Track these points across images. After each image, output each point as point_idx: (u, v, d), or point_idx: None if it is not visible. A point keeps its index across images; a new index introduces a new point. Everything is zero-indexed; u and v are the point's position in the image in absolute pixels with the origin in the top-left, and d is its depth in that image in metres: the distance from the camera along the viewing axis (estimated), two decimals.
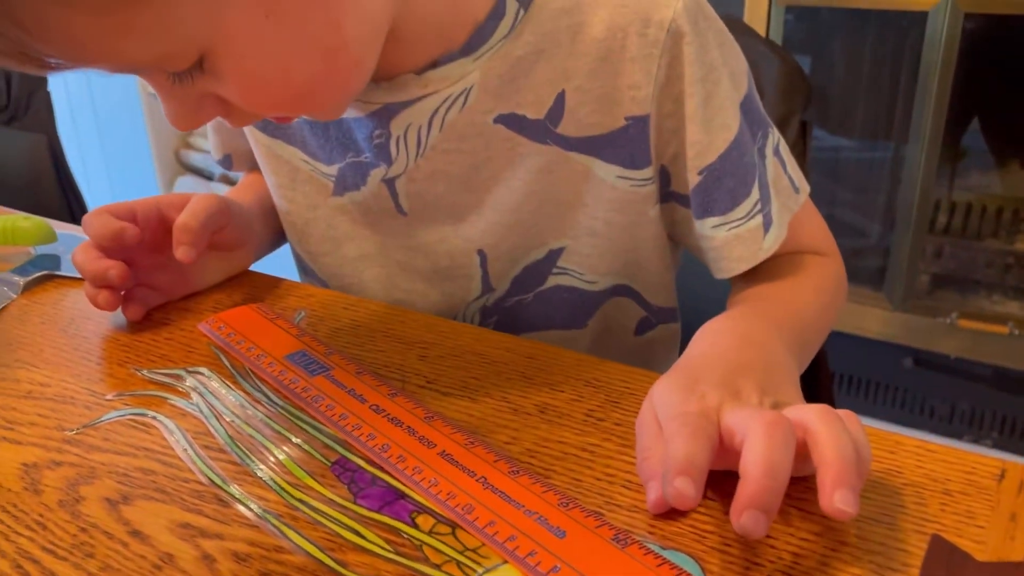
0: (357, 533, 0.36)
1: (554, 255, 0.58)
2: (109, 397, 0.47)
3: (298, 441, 0.43)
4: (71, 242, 0.67)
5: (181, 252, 0.53)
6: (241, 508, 0.38)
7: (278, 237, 0.69)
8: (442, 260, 0.59)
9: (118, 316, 0.56)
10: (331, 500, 0.38)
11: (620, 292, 0.61)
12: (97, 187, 2.25)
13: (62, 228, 0.69)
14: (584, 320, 0.61)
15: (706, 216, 0.54)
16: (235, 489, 0.39)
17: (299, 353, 0.50)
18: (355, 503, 0.38)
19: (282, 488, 0.39)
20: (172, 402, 0.46)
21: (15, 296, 0.59)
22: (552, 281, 0.59)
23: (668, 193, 0.56)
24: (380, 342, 0.52)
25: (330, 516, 0.37)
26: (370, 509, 0.38)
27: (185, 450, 0.42)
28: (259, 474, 0.40)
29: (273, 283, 0.61)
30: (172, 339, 0.53)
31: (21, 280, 0.61)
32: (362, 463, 0.41)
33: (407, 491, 0.39)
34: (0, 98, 1.34)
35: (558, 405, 0.45)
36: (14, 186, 1.30)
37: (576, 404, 0.45)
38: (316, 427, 0.44)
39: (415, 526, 0.37)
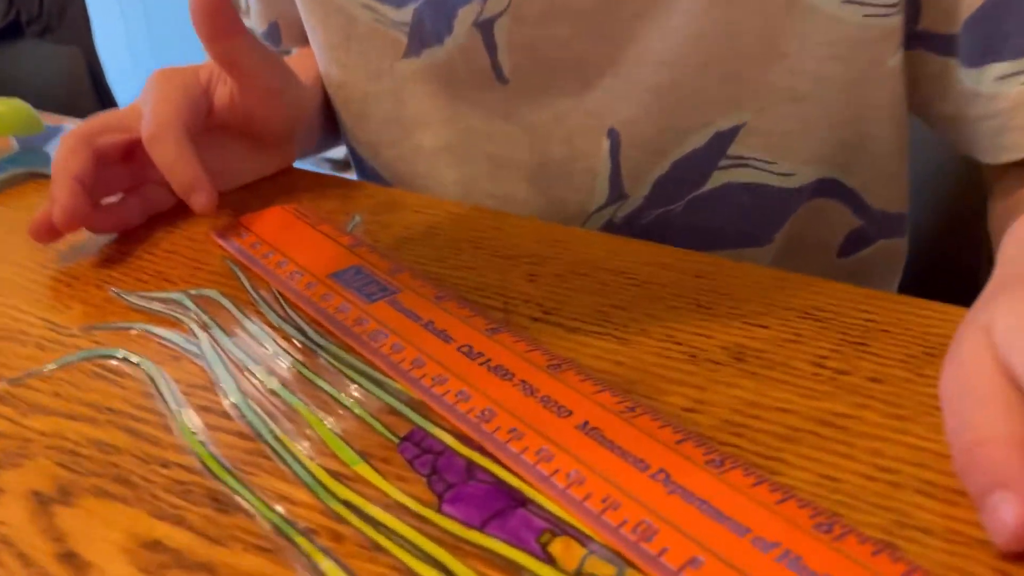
0: (448, 572, 0.20)
1: (723, 139, 0.40)
2: (75, 331, 0.32)
3: (348, 402, 0.27)
4: (61, 134, 0.52)
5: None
6: (251, 516, 0.22)
7: (329, 135, 0.52)
8: (555, 149, 0.42)
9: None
10: (400, 506, 0.22)
11: (826, 191, 0.43)
12: None
13: (52, 120, 0.54)
14: (769, 233, 0.43)
15: (987, 62, 0.35)
16: (243, 484, 0.24)
17: (351, 270, 0.34)
18: (440, 511, 0.22)
19: (320, 483, 0.23)
20: (163, 339, 0.31)
21: None
22: (720, 179, 0.41)
23: (916, 34, 0.37)
24: (469, 255, 0.35)
25: (399, 536, 0.21)
26: (467, 525, 0.22)
27: (173, 412, 0.27)
28: (285, 457, 0.25)
29: (318, 180, 0.45)
30: (175, 252, 0.38)
31: None
32: (449, 439, 0.25)
33: (527, 491, 0.22)
34: (31, 8, 1.21)
35: (764, 349, 0.28)
36: (49, 104, 1.16)
37: (794, 347, 0.28)
38: (376, 379, 0.28)
39: (549, 560, 0.20)
